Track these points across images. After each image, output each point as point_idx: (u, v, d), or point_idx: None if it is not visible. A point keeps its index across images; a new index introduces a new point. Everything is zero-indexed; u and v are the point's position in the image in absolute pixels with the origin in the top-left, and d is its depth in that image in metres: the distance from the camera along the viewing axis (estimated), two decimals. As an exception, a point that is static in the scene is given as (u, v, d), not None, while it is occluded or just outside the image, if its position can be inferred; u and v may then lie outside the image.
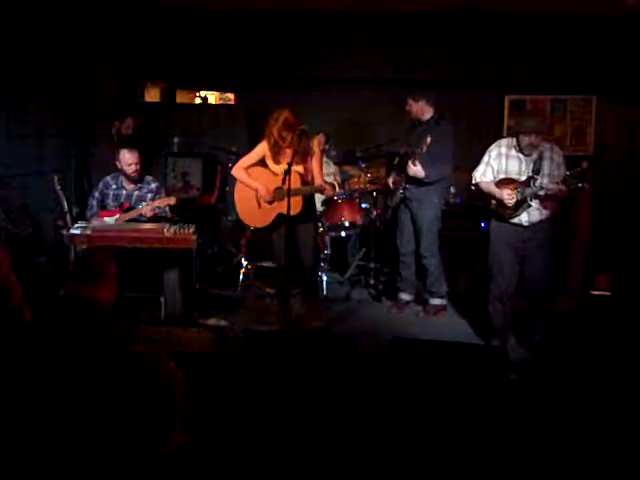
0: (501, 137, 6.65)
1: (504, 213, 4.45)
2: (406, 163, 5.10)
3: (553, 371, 4.21)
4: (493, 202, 4.52)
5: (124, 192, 5.10)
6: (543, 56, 6.57)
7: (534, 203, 4.33)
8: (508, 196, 4.35)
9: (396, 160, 5.56)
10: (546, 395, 3.79)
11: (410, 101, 5.16)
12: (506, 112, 6.83)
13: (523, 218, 4.41)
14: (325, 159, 6.12)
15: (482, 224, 6.01)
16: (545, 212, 4.40)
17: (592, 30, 6.40)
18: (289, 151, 4.41)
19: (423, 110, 5.15)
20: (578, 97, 6.67)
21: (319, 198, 5.63)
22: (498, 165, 4.47)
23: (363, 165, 6.12)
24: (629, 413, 3.50)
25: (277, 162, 4.56)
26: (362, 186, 4.46)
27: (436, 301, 5.41)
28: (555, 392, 3.84)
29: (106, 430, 1.77)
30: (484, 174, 4.52)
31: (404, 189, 5.28)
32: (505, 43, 6.61)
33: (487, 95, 6.77)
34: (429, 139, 4.91)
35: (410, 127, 5.31)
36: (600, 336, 4.78)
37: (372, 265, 6.08)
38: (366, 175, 4.47)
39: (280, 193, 4.47)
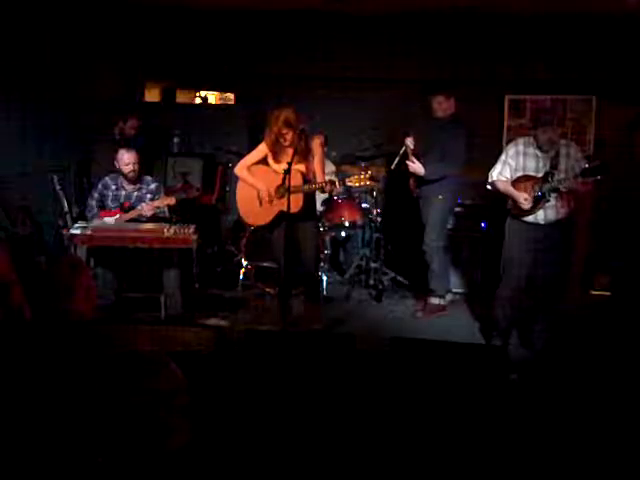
0: (501, 137, 6.80)
1: (520, 211, 4.44)
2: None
3: (553, 371, 4.21)
4: (510, 200, 4.52)
5: (123, 192, 5.11)
6: (543, 56, 6.56)
7: (552, 200, 4.33)
8: (525, 201, 4.35)
9: (396, 160, 5.58)
10: (546, 395, 3.79)
11: (441, 98, 5.24)
12: (506, 112, 6.83)
13: (539, 216, 4.40)
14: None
15: (482, 224, 6.03)
16: (561, 211, 4.39)
17: (592, 30, 6.39)
18: (290, 150, 4.41)
19: (450, 108, 5.23)
20: (578, 97, 6.66)
21: (319, 198, 5.63)
22: (516, 163, 4.47)
23: (363, 165, 6.12)
24: (629, 413, 3.50)
25: (278, 161, 4.57)
26: (362, 183, 4.49)
27: (435, 300, 5.40)
28: (555, 392, 3.84)
29: (106, 431, 1.77)
30: (501, 173, 4.52)
31: (418, 191, 5.38)
32: (505, 43, 6.60)
33: (487, 95, 6.77)
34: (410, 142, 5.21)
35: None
36: (600, 336, 4.78)
37: (372, 265, 6.09)
38: (366, 172, 4.49)
39: (281, 192, 4.48)
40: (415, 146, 5.28)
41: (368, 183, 4.56)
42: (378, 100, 6.77)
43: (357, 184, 4.52)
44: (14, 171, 5.64)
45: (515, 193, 4.40)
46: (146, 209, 4.95)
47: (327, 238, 6.06)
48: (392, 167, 5.52)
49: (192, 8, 6.64)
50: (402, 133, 5.37)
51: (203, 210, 6.59)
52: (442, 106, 5.23)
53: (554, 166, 4.33)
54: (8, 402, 1.83)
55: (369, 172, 4.54)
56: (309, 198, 4.63)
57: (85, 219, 5.07)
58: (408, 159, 5.24)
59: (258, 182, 4.64)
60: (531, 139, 4.44)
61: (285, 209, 4.31)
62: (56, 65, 6.16)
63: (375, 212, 6.07)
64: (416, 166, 5.17)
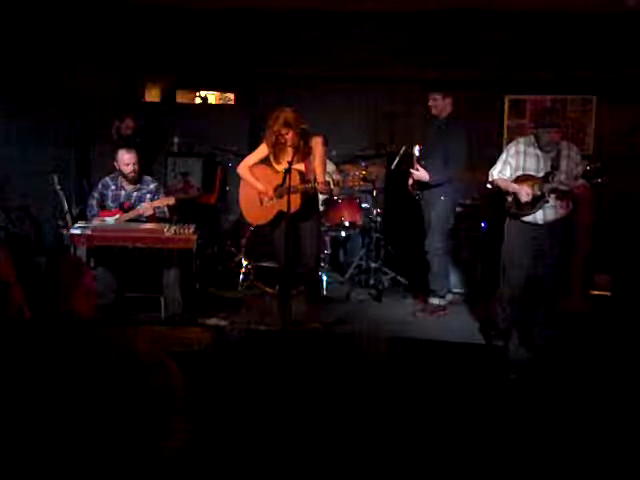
0: (501, 137, 6.80)
1: (520, 211, 4.43)
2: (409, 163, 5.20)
3: (553, 371, 4.21)
4: (509, 200, 4.50)
5: (123, 192, 5.11)
6: (543, 56, 6.56)
7: (551, 200, 4.32)
8: (525, 191, 4.33)
9: (396, 160, 5.59)
10: (546, 395, 3.79)
11: (437, 96, 5.23)
12: (506, 112, 6.83)
13: (539, 216, 4.38)
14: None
15: (482, 224, 6.03)
16: (560, 211, 4.38)
17: (592, 30, 6.39)
18: (290, 150, 4.43)
19: (446, 108, 5.22)
20: (578, 97, 6.67)
21: (320, 197, 5.63)
22: (516, 162, 4.46)
23: (363, 164, 6.12)
24: (629, 413, 3.50)
25: (279, 161, 4.58)
26: (356, 183, 4.53)
27: (435, 301, 5.40)
28: (555, 392, 3.84)
29: (104, 431, 1.77)
30: (502, 172, 4.51)
31: (418, 194, 5.38)
32: (505, 43, 6.60)
33: (487, 95, 6.77)
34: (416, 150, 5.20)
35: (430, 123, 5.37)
36: (600, 336, 4.78)
37: (372, 265, 6.08)
38: (361, 172, 4.52)
39: (280, 191, 4.50)
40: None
41: (362, 183, 4.58)
42: (378, 100, 6.76)
43: (352, 184, 4.56)
44: (14, 171, 5.64)
45: (516, 187, 4.39)
46: (146, 209, 4.95)
47: (327, 238, 6.06)
48: (392, 167, 5.52)
49: (192, 8, 6.64)
50: (408, 147, 5.39)
51: (203, 210, 6.60)
52: (437, 103, 5.22)
53: (555, 167, 4.32)
54: (7, 402, 1.82)
55: (363, 172, 4.57)
56: (311, 197, 4.63)
57: (85, 219, 5.07)
58: (413, 167, 5.23)
59: (259, 182, 4.66)
60: (532, 138, 4.44)
61: (284, 209, 4.32)
62: (56, 65, 6.16)
63: (375, 212, 6.07)
64: (421, 173, 5.19)
